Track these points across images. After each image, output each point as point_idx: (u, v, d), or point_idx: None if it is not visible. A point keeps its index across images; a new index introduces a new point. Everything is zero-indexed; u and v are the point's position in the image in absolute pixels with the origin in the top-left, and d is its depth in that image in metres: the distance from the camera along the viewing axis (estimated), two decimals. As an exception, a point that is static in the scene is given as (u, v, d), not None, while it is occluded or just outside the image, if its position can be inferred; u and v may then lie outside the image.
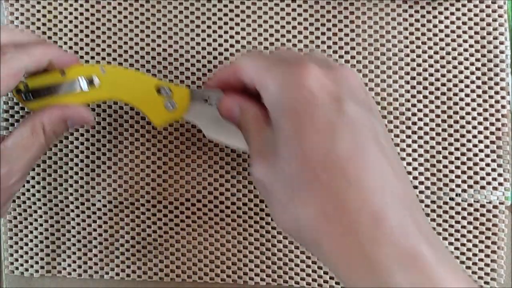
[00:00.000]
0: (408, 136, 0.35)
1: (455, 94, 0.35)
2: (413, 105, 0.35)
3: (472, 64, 0.35)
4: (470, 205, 0.35)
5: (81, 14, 0.37)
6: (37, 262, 0.37)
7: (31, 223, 0.37)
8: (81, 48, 0.36)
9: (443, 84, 0.35)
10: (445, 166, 0.35)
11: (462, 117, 0.35)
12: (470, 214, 0.35)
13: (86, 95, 0.30)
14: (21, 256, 0.37)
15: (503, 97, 0.35)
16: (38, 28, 0.37)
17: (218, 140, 0.32)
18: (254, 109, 0.27)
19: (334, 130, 0.23)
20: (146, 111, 0.31)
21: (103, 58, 0.36)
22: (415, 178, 0.35)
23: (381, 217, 0.21)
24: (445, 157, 0.35)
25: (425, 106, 0.35)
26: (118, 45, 0.36)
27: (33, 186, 0.37)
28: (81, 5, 0.37)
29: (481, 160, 0.35)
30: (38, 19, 0.37)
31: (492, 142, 0.35)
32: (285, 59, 0.26)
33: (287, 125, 0.24)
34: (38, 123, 0.28)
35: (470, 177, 0.35)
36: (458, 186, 0.35)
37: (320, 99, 0.23)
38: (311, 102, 0.23)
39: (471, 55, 0.35)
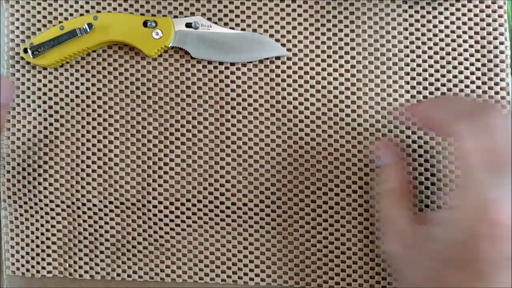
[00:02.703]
0: (408, 137, 0.35)
1: (455, 94, 0.35)
2: (413, 106, 0.35)
3: (472, 64, 0.35)
4: (470, 205, 0.35)
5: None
6: (38, 263, 0.37)
7: (32, 224, 0.37)
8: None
9: (443, 85, 0.35)
10: (445, 166, 0.35)
11: (462, 117, 0.35)
12: (470, 214, 0.35)
13: (84, 40, 0.35)
14: (22, 257, 0.37)
15: (503, 97, 0.35)
16: (39, 29, 0.37)
17: (207, 58, 0.36)
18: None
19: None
20: (137, 44, 0.35)
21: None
22: (414, 178, 0.35)
23: None
24: (445, 157, 0.35)
25: (425, 106, 0.35)
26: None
27: (34, 187, 0.37)
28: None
29: (481, 160, 0.35)
30: (39, 20, 0.37)
31: (492, 142, 0.35)
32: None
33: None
34: None
35: (470, 177, 0.35)
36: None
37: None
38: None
39: (471, 55, 0.35)
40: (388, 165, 0.32)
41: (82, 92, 0.37)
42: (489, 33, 0.35)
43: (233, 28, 0.36)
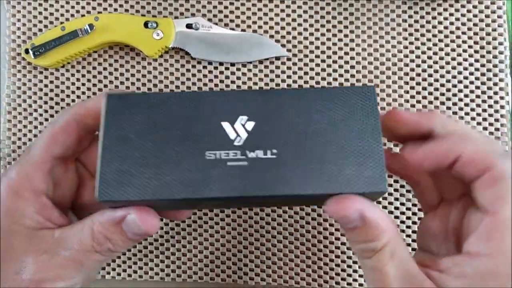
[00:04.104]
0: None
1: (454, 94, 0.35)
2: (412, 105, 0.36)
3: (471, 64, 0.35)
4: (469, 205, 0.35)
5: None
6: (39, 262, 0.37)
7: (33, 224, 0.37)
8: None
9: (442, 85, 0.36)
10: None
11: (461, 117, 0.35)
12: (469, 214, 0.35)
13: (85, 40, 0.35)
14: (23, 256, 0.37)
15: (502, 97, 0.35)
16: (40, 30, 0.37)
17: (208, 59, 0.36)
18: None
19: None
20: (138, 45, 0.35)
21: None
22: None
23: None
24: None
25: (424, 106, 0.35)
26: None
27: (35, 187, 0.37)
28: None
29: (481, 160, 0.35)
30: (40, 21, 0.37)
31: (491, 142, 0.35)
32: None
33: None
34: (89, 221, 0.24)
35: (469, 177, 0.35)
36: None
37: None
38: None
39: (470, 55, 0.36)
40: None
41: (83, 93, 0.37)
42: (488, 34, 0.35)
43: (233, 29, 0.36)
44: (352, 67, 0.36)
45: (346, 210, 0.22)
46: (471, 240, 0.22)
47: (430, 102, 0.35)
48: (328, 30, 0.36)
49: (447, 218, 0.26)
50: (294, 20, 0.36)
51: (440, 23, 0.36)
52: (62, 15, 0.37)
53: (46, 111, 0.37)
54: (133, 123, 0.23)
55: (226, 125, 0.23)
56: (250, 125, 0.23)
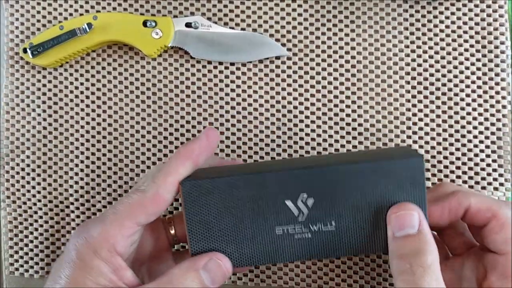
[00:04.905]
0: (409, 137, 0.35)
1: (456, 94, 0.35)
2: (414, 105, 0.35)
3: (472, 64, 0.35)
4: (471, 205, 0.35)
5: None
6: (37, 263, 0.37)
7: (31, 224, 0.37)
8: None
9: (444, 84, 0.35)
10: (445, 167, 0.35)
11: (462, 117, 0.35)
12: (471, 214, 0.35)
13: (84, 39, 0.35)
14: (21, 257, 0.37)
15: (503, 97, 0.35)
16: (39, 29, 0.37)
17: (207, 58, 0.36)
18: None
19: None
20: (137, 44, 0.35)
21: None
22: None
23: None
24: (445, 158, 0.35)
25: (426, 106, 0.35)
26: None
27: (34, 187, 0.37)
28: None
29: (482, 160, 0.35)
30: (38, 20, 0.37)
31: (493, 142, 0.35)
32: None
33: None
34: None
35: (470, 178, 0.35)
36: (458, 186, 0.35)
37: None
38: None
39: (472, 55, 0.35)
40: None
41: (82, 92, 0.37)
42: (489, 33, 0.35)
43: (233, 28, 0.36)
44: (353, 66, 0.36)
45: (409, 210, 0.25)
46: (492, 279, 0.26)
47: (432, 102, 0.35)
48: (329, 29, 0.36)
49: (460, 267, 0.29)
50: (294, 19, 0.36)
51: (441, 22, 0.36)
52: (60, 14, 0.37)
53: (44, 111, 0.37)
54: (209, 207, 0.26)
55: (289, 203, 0.26)
56: (310, 201, 0.26)
